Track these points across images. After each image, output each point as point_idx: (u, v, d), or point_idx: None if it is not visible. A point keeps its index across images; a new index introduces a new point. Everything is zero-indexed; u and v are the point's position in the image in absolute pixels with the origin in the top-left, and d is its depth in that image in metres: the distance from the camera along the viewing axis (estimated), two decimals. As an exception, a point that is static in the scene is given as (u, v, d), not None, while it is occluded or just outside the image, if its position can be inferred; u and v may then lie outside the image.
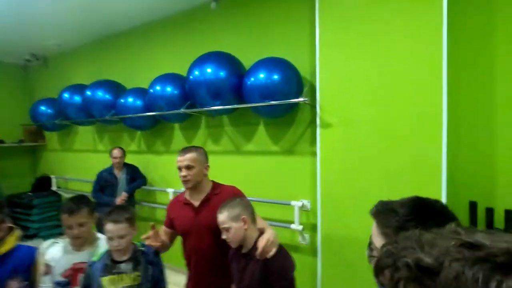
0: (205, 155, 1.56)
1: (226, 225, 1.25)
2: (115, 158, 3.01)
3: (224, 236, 1.28)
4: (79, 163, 4.13)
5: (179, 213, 1.55)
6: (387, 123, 1.79)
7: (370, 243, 0.68)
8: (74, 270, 1.41)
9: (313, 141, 2.32)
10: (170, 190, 3.01)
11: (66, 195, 4.08)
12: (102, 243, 1.47)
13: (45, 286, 1.40)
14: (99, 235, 1.55)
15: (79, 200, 1.43)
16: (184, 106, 2.51)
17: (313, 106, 2.15)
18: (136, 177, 3.16)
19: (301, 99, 2.00)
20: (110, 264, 1.37)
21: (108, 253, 1.39)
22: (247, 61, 2.37)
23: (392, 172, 1.77)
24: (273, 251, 1.16)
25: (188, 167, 1.46)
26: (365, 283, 1.87)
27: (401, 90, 1.74)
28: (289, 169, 2.44)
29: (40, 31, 3.37)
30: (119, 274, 1.36)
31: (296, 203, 2.28)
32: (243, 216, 1.26)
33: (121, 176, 3.07)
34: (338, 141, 1.95)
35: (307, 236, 2.35)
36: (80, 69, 3.94)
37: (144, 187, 3.21)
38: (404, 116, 1.74)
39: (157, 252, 1.48)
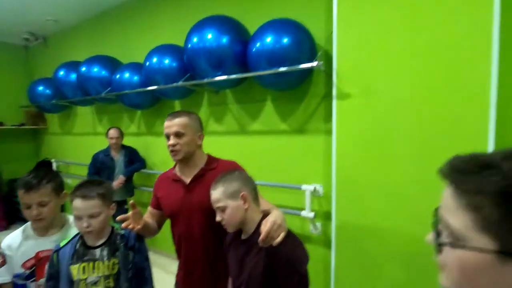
0: (199, 121, 1.29)
1: (221, 204, 1.00)
2: (111, 138, 2.80)
3: (218, 218, 1.02)
4: (79, 146, 3.97)
5: (167, 191, 1.30)
6: (418, 95, 1.46)
7: (438, 222, 0.40)
8: (38, 260, 1.18)
9: (327, 118, 2.03)
10: (169, 174, 2.79)
11: (67, 180, 3.93)
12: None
13: (0, 279, 1.17)
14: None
15: (43, 174, 1.18)
16: (183, 79, 2.25)
17: (328, 74, 1.86)
18: (134, 159, 2.95)
19: (314, 63, 1.70)
20: (82, 250, 1.14)
21: (79, 237, 1.16)
22: (252, 26, 2.07)
23: (423, 153, 1.46)
24: (280, 236, 0.89)
25: (178, 134, 1.20)
26: (386, 278, 1.60)
27: (438, 55, 1.40)
28: (300, 150, 2.16)
29: (36, 6, 3.17)
30: (92, 261, 1.13)
31: (308, 187, 2.00)
32: (243, 193, 0.99)
33: (118, 158, 2.87)
34: (358, 115, 1.65)
35: (318, 224, 2.08)
36: (80, 46, 3.73)
37: (143, 170, 3.00)
38: (441, 86, 1.40)
39: (140, 236, 1.25)
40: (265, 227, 0.89)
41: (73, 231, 1.21)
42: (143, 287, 1.21)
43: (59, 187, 1.21)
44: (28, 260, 1.17)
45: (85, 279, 1.11)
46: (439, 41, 1.40)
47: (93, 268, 1.13)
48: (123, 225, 1.10)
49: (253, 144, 2.40)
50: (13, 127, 4.18)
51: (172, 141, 1.20)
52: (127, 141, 3.08)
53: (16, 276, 1.16)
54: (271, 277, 0.92)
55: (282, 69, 1.76)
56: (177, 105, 2.86)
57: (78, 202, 1.09)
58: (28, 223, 1.22)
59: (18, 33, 3.94)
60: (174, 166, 1.34)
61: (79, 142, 3.98)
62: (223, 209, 1.00)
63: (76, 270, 1.11)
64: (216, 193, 1.01)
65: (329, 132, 2.02)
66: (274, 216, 0.93)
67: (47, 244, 1.18)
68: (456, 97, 1.38)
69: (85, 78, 2.90)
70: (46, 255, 1.16)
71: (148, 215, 1.35)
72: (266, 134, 2.33)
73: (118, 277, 1.14)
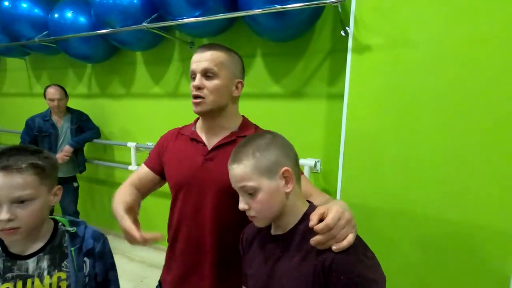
0: (240, 63, 0.89)
1: (250, 184, 0.61)
2: (51, 100, 2.18)
3: (244, 206, 0.64)
4: (12, 111, 3.20)
5: (178, 152, 0.89)
6: (468, 51, 1.14)
7: None
8: None
9: (332, 79, 1.70)
10: (131, 145, 2.30)
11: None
12: None
13: None
14: None
15: (23, 152, 0.72)
16: (147, 20, 1.72)
17: (340, 21, 1.50)
18: (85, 127, 2.38)
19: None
20: (3, 262, 0.71)
21: (-2, 239, 0.73)
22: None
23: (460, 130, 1.18)
24: (347, 239, 0.55)
25: (207, 74, 0.81)
26: (399, 258, 1.41)
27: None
28: (296, 118, 1.83)
29: None
30: (22, 279, 0.71)
31: (307, 162, 1.70)
32: (285, 168, 0.63)
33: (63, 124, 2.27)
34: (379, 74, 1.32)
35: (315, 203, 1.82)
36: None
37: (97, 140, 2.45)
38: (500, 44, 1.10)
39: (100, 234, 0.84)
40: (329, 216, 0.55)
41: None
42: (107, 306, 0.83)
43: (50, 177, 0.74)
44: None
45: (11, 307, 0.70)
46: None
47: (24, 289, 0.71)
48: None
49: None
50: None
51: (197, 82, 0.81)
52: (76, 104, 2.47)
53: None
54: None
55: (290, 6, 1.35)
56: (140, 60, 2.31)
57: None
58: None
59: None
60: (195, 122, 0.94)
61: (12, 106, 3.20)
62: (252, 192, 0.62)
63: (-7, 297, 0.69)
64: (243, 167, 0.62)
65: (333, 96, 1.71)
66: (341, 205, 0.58)
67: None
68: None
69: (10, 17, 2.17)
70: None
71: (135, 178, 0.93)
72: (254, 98, 1.94)
73: (67, 300, 0.75)
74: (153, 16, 1.72)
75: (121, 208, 0.78)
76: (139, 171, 0.95)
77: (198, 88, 0.81)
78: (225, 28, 1.77)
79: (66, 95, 2.26)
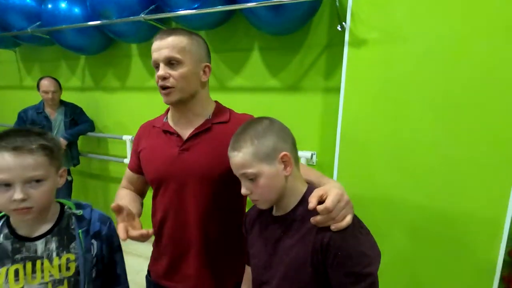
0: (204, 46, 0.85)
1: (251, 170, 0.65)
2: (46, 92, 2.15)
3: (246, 191, 0.67)
4: (1, 104, 3.12)
5: (152, 146, 0.88)
6: (458, 47, 1.19)
7: None
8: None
9: (328, 73, 1.74)
10: (127, 138, 2.29)
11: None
12: None
13: None
14: None
15: (34, 135, 0.72)
16: (145, 11, 1.72)
17: (336, 16, 1.53)
18: (79, 120, 2.35)
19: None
20: (11, 244, 0.72)
21: (6, 221, 0.73)
22: None
23: (449, 122, 1.24)
24: (346, 220, 0.59)
25: (172, 62, 0.78)
26: (389, 247, 1.46)
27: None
28: (293, 111, 1.86)
29: None
30: (31, 260, 0.72)
31: (303, 154, 1.74)
32: (284, 153, 0.66)
33: (56, 117, 2.24)
34: (378, 68, 1.36)
35: (310, 195, 1.86)
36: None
37: (91, 134, 2.43)
38: (491, 40, 1.15)
39: (106, 216, 0.85)
40: (329, 198, 0.58)
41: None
42: (114, 288, 0.85)
43: (57, 158, 0.75)
44: None
45: (21, 288, 0.71)
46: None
47: (34, 271, 0.72)
48: (123, 234, 0.70)
49: (234, 103, 1.98)
50: None
51: (161, 71, 0.77)
52: (69, 97, 2.44)
53: None
54: (322, 276, 0.63)
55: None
56: (135, 52, 2.29)
57: (6, 158, 0.65)
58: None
59: None
60: (166, 112, 0.92)
61: (1, 99, 3.13)
62: (253, 178, 0.65)
63: (2, 277, 0.70)
64: (242, 155, 0.65)
65: (329, 90, 1.75)
66: (339, 187, 0.62)
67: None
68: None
69: (1, 7, 2.12)
70: None
71: (125, 184, 0.94)
72: (251, 91, 1.96)
73: (76, 281, 0.76)
74: (151, 7, 1.72)
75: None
76: (126, 175, 0.95)
77: (164, 78, 0.77)
78: (223, 21, 1.79)
79: (60, 87, 2.23)
